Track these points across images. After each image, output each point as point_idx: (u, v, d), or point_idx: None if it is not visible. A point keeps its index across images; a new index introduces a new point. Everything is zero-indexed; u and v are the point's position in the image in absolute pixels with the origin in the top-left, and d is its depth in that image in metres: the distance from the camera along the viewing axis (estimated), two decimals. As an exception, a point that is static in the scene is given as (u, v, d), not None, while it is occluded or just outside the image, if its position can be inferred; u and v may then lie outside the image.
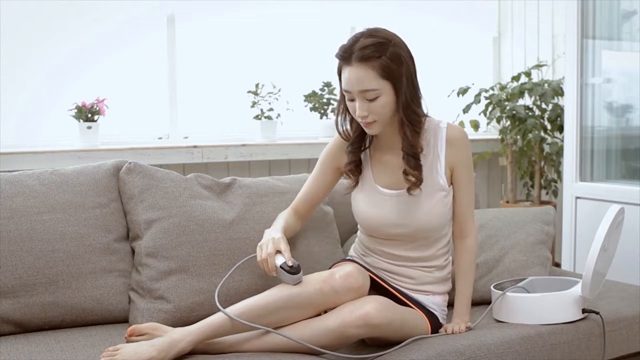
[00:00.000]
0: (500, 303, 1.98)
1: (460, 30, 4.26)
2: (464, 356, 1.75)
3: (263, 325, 1.73)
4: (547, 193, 3.92)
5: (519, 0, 4.23)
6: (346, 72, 1.81)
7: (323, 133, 3.78)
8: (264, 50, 3.74)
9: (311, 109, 3.77)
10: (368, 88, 1.78)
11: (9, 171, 2.10)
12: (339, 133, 1.97)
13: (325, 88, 3.77)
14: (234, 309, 1.74)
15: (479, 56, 4.38)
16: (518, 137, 3.74)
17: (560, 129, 3.71)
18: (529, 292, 2.03)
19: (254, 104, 3.64)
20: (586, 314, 1.97)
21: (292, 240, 2.09)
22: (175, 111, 3.55)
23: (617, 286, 2.31)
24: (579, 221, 3.21)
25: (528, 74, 3.80)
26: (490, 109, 3.80)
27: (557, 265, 3.58)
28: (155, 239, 2.00)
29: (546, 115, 3.78)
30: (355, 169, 1.98)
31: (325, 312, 1.78)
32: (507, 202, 3.91)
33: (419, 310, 1.91)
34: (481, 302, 2.15)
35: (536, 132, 3.65)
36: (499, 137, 3.93)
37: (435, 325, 1.92)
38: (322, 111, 3.77)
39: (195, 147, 3.37)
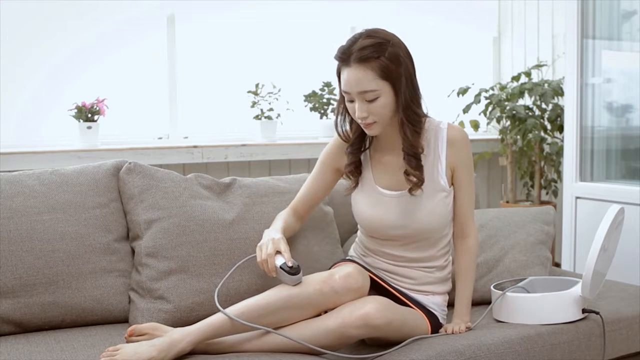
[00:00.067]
0: (500, 303, 1.98)
1: (460, 30, 4.26)
2: (464, 356, 1.75)
3: (263, 326, 1.73)
4: (547, 193, 3.92)
5: (519, 0, 4.23)
6: (345, 73, 1.80)
7: (323, 133, 3.78)
8: (264, 50, 3.74)
9: (311, 109, 3.77)
10: (367, 89, 1.78)
11: (9, 171, 2.10)
12: (339, 134, 1.97)
13: (325, 88, 3.77)
14: (234, 309, 1.74)
15: (479, 56, 4.38)
16: (518, 137, 3.74)
17: (560, 129, 3.71)
18: (529, 292, 2.03)
19: (254, 104, 3.64)
20: (586, 314, 1.97)
21: (292, 240, 2.10)
22: (175, 111, 3.55)
23: (617, 286, 2.31)
24: (579, 221, 3.21)
25: (528, 74, 3.80)
26: (490, 109, 3.80)
27: (557, 265, 3.58)
28: (155, 239, 2.00)
29: (546, 115, 3.78)
30: (355, 170, 1.98)
31: (325, 312, 1.78)
32: (507, 202, 3.91)
33: (419, 310, 1.91)
34: (481, 302, 2.15)
35: (536, 132, 3.65)
36: (499, 137, 3.93)
37: (435, 325, 1.92)
38: (322, 111, 3.77)
39: (195, 147, 3.37)
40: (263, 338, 1.75)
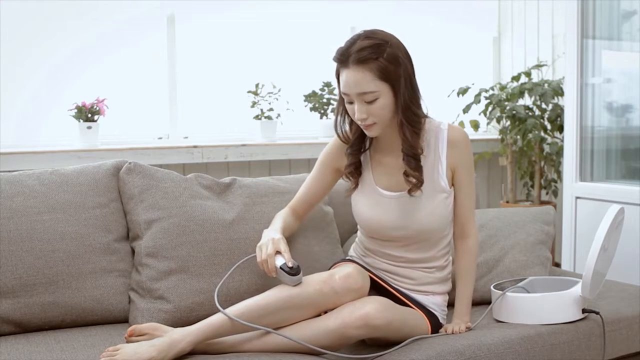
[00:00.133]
0: (500, 303, 1.98)
1: (460, 31, 4.26)
2: (464, 356, 1.75)
3: (263, 326, 1.73)
4: (547, 193, 3.92)
5: (519, 0, 4.23)
6: (344, 75, 1.80)
7: (323, 133, 3.78)
8: (264, 50, 3.74)
9: (311, 109, 3.77)
10: (366, 90, 1.78)
11: (9, 171, 2.10)
12: (338, 135, 1.96)
13: (325, 88, 3.77)
14: (234, 310, 1.74)
15: (479, 56, 4.38)
16: (518, 137, 3.74)
17: (560, 129, 3.71)
18: (529, 292, 2.03)
19: (254, 104, 3.64)
20: (586, 314, 1.97)
21: (292, 240, 2.10)
22: (175, 111, 3.55)
23: (617, 286, 2.31)
24: (579, 221, 3.21)
25: (528, 74, 3.80)
26: (490, 109, 3.80)
27: (557, 265, 3.58)
28: (155, 239, 2.00)
29: (546, 115, 3.78)
30: (355, 171, 1.97)
31: (325, 312, 1.78)
32: (507, 202, 3.91)
33: (419, 311, 1.91)
34: (481, 302, 2.15)
35: (536, 132, 3.65)
36: (499, 137, 3.93)
37: (435, 326, 1.92)
38: (322, 111, 3.77)
39: (195, 147, 3.37)
40: (263, 338, 1.75)
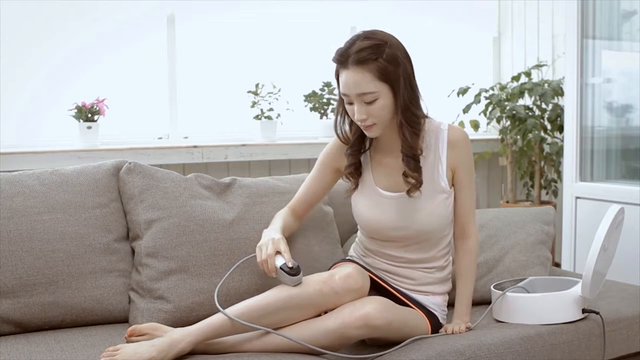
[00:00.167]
0: (500, 303, 1.98)
1: (460, 30, 4.26)
2: (464, 356, 1.75)
3: (263, 326, 1.73)
4: (547, 193, 3.92)
5: (519, 0, 4.23)
6: (343, 75, 1.80)
7: (323, 133, 3.78)
8: (264, 50, 3.74)
9: (311, 109, 3.77)
10: (365, 91, 1.78)
11: (9, 171, 2.10)
12: (338, 136, 1.96)
13: (325, 88, 3.77)
14: (234, 310, 1.74)
15: (479, 56, 4.38)
16: (518, 137, 3.74)
17: (560, 129, 3.71)
18: (529, 292, 2.03)
19: (254, 104, 3.64)
20: (586, 314, 1.97)
21: (292, 240, 2.10)
22: (175, 111, 3.55)
23: (617, 286, 2.31)
24: (579, 221, 3.21)
25: (528, 74, 3.80)
26: (490, 109, 3.80)
27: (557, 265, 3.58)
28: (155, 239, 2.00)
29: (546, 115, 3.78)
30: (355, 171, 1.97)
31: (325, 312, 1.78)
32: (507, 202, 3.91)
33: (419, 311, 1.91)
34: (481, 302, 2.15)
35: (536, 132, 3.65)
36: (499, 137, 3.93)
37: (435, 326, 1.92)
38: (322, 111, 3.77)
39: (195, 147, 3.37)
40: (263, 338, 1.75)
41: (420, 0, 4.07)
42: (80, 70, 3.33)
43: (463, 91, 3.83)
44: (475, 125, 3.96)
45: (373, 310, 1.70)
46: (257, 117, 3.63)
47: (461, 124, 3.87)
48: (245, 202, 2.14)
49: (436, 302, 1.97)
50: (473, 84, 3.88)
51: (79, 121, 3.20)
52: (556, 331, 1.89)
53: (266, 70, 3.71)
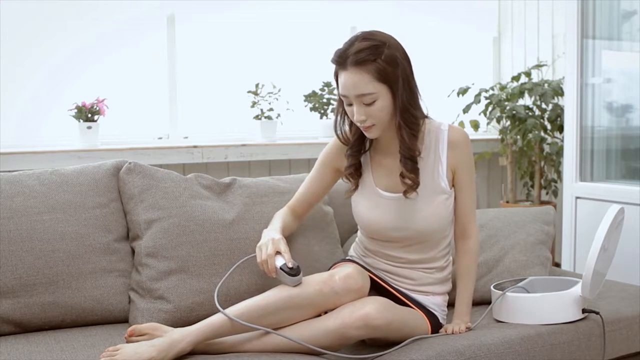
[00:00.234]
0: (500, 303, 1.98)
1: (460, 30, 4.26)
2: (464, 356, 1.75)
3: (263, 326, 1.73)
4: (547, 193, 3.92)
5: (519, 0, 4.23)
6: (342, 77, 1.80)
7: (323, 133, 3.78)
8: (264, 50, 3.74)
9: (311, 109, 3.77)
10: (364, 92, 1.77)
11: (9, 171, 2.10)
12: (338, 137, 1.96)
13: (325, 88, 3.77)
14: (234, 310, 1.74)
15: (479, 56, 4.38)
16: (518, 137, 3.74)
17: (560, 129, 3.71)
18: (529, 292, 2.03)
19: (254, 104, 3.64)
20: (586, 314, 1.97)
21: (292, 240, 2.10)
22: (175, 111, 3.55)
23: (617, 286, 2.31)
24: (579, 221, 3.20)
25: (528, 74, 3.80)
26: (490, 109, 3.80)
27: (557, 265, 3.58)
28: (155, 239, 2.00)
29: (546, 115, 3.78)
30: (355, 172, 1.97)
31: (325, 312, 1.78)
32: (507, 202, 3.91)
33: (419, 311, 1.91)
34: (481, 302, 2.15)
35: (536, 132, 3.65)
36: (499, 137, 3.93)
37: (436, 326, 1.92)
38: (322, 111, 3.77)
39: (195, 147, 3.37)
40: (263, 338, 1.75)
41: (420, 0, 4.07)
42: (80, 70, 3.33)
43: (463, 91, 3.83)
44: (475, 125, 3.96)
45: (373, 311, 1.70)
46: (257, 117, 3.64)
47: (461, 124, 3.88)
48: (245, 202, 2.14)
49: (436, 302, 1.97)
50: (473, 84, 3.88)
51: (79, 121, 3.20)
52: (556, 331, 1.89)
53: (266, 70, 3.71)
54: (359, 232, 2.07)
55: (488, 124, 4.01)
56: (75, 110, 3.21)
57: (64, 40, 3.29)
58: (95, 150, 3.14)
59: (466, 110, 3.82)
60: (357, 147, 1.96)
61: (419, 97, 1.86)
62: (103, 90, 3.31)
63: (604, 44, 3.24)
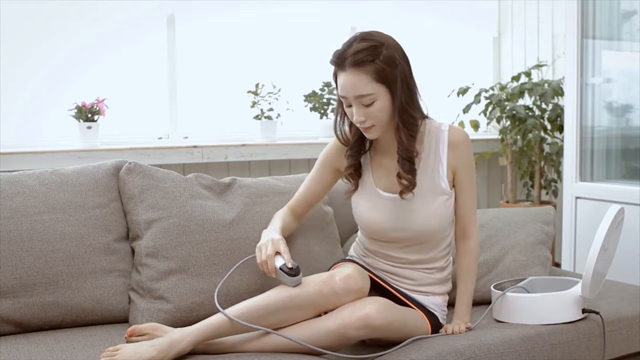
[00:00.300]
0: (500, 303, 1.98)
1: (460, 30, 4.26)
2: (464, 356, 1.75)
3: (263, 326, 1.73)
4: (547, 193, 3.92)
5: (519, 0, 4.23)
6: (341, 78, 1.79)
7: (323, 133, 3.78)
8: (264, 50, 3.74)
9: (311, 109, 3.77)
10: (363, 93, 1.77)
11: (9, 171, 2.10)
12: (337, 137, 1.96)
13: (325, 88, 3.77)
14: (234, 310, 1.74)
15: (479, 56, 4.38)
16: (518, 137, 3.74)
17: (560, 129, 3.71)
18: (529, 292, 2.03)
19: (254, 104, 3.64)
20: (586, 314, 1.97)
21: (292, 240, 2.10)
22: (175, 111, 3.55)
23: (617, 286, 2.31)
24: (579, 221, 3.20)
25: (528, 74, 3.80)
26: (490, 109, 3.80)
27: (557, 265, 3.58)
28: (155, 239, 2.00)
29: (546, 115, 3.78)
30: (355, 173, 1.97)
31: (325, 313, 1.78)
32: (507, 202, 3.91)
33: (419, 311, 1.91)
34: (481, 302, 2.15)
35: (536, 132, 3.65)
36: (499, 137, 3.93)
37: (436, 326, 1.92)
38: (322, 111, 3.77)
39: (195, 147, 3.37)
40: (263, 338, 1.75)
41: (420, 0, 4.07)
42: (80, 70, 3.33)
43: (463, 91, 3.83)
44: (475, 125, 3.96)
45: (373, 311, 1.70)
46: (257, 117, 3.64)
47: (461, 124, 3.88)
48: (245, 202, 2.14)
49: (436, 303, 1.97)
50: (473, 84, 3.88)
51: (79, 121, 3.20)
52: (556, 331, 1.89)
53: (266, 70, 3.71)
54: (359, 232, 2.07)
55: (488, 124, 4.01)
56: (75, 110, 3.21)
57: (64, 40, 3.28)
58: (95, 150, 3.14)
59: (466, 110, 3.82)
60: (357, 147, 1.95)
61: (418, 97, 1.86)
62: (103, 90, 3.31)
63: (604, 44, 3.24)
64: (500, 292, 1.98)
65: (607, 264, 2.02)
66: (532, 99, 3.76)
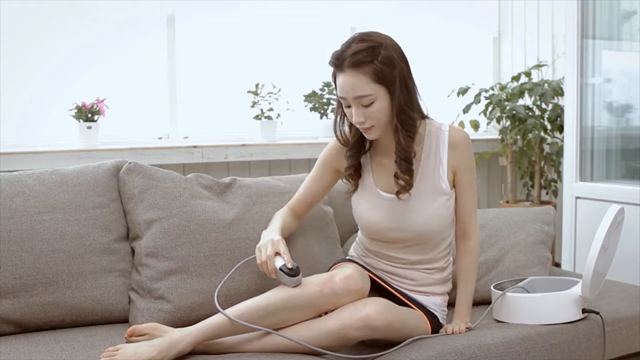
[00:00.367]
0: (500, 303, 1.98)
1: (460, 30, 4.26)
2: (464, 356, 1.75)
3: (263, 327, 1.73)
4: (547, 193, 3.92)
5: (519, 0, 4.23)
6: (340, 79, 1.79)
7: (323, 133, 3.78)
8: (264, 50, 3.74)
9: (311, 109, 3.77)
10: (362, 94, 1.77)
11: (9, 171, 2.10)
12: (337, 138, 1.96)
13: (325, 88, 3.77)
14: (234, 310, 1.74)
15: (479, 56, 4.38)
16: (518, 137, 3.74)
17: (560, 129, 3.71)
18: (529, 292, 2.03)
19: (254, 104, 3.64)
20: (586, 314, 1.97)
21: (292, 240, 2.10)
22: (175, 111, 3.55)
23: (617, 286, 2.31)
24: (579, 221, 3.20)
25: (528, 74, 3.80)
26: (490, 109, 3.80)
27: (557, 265, 3.58)
28: (155, 239, 2.00)
29: (546, 115, 3.78)
30: (355, 173, 1.96)
31: (326, 313, 1.78)
32: (507, 202, 3.91)
33: (419, 311, 1.91)
34: (481, 302, 2.15)
35: (536, 132, 3.65)
36: (499, 137, 3.93)
37: (436, 326, 1.92)
38: (322, 111, 3.77)
39: (195, 147, 3.37)
40: (263, 339, 1.75)
41: (420, 0, 4.07)
42: (80, 70, 3.33)
43: (463, 91, 3.83)
44: (475, 125, 3.96)
45: (373, 312, 1.70)
46: (257, 117, 3.64)
47: (461, 124, 3.88)
48: (245, 202, 2.14)
49: (436, 303, 1.97)
50: (473, 84, 3.88)
51: (79, 121, 3.20)
52: (556, 331, 1.89)
53: (266, 70, 3.71)
54: (359, 232, 2.06)
55: (488, 124, 4.01)
56: (75, 110, 3.21)
57: (64, 40, 3.28)
58: (95, 150, 3.14)
59: (466, 110, 3.82)
60: (357, 148, 1.95)
61: (417, 97, 1.86)
62: (103, 90, 3.31)
63: (604, 44, 3.24)
64: (500, 292, 1.98)
65: (607, 264, 2.02)
66: (532, 99, 3.76)
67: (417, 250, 1.94)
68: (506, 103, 3.73)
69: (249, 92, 3.63)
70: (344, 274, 1.77)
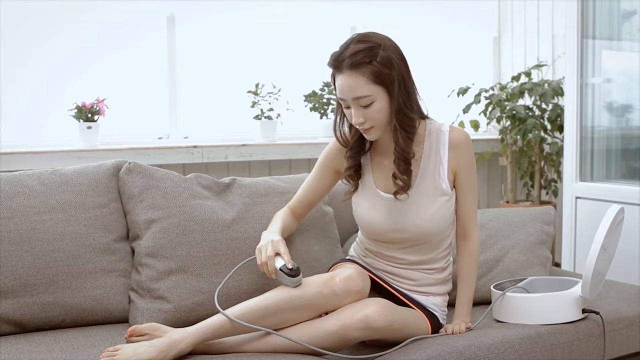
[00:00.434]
0: (500, 303, 1.98)
1: (460, 30, 4.26)
2: (464, 356, 1.75)
3: (263, 327, 1.73)
4: (547, 193, 3.92)
5: (519, 0, 4.23)
6: (339, 80, 1.79)
7: (323, 133, 3.78)
8: (264, 50, 3.74)
9: (311, 109, 3.77)
10: (361, 95, 1.77)
11: (9, 171, 2.10)
12: (337, 139, 1.96)
13: (325, 88, 3.77)
14: (234, 310, 1.74)
15: (479, 56, 4.38)
16: (518, 137, 3.74)
17: (560, 129, 3.71)
18: (529, 292, 2.03)
19: (254, 104, 3.64)
20: (586, 314, 1.97)
21: (292, 240, 2.10)
22: (175, 111, 3.55)
23: (617, 286, 2.31)
24: (579, 221, 3.21)
25: (528, 74, 3.80)
26: (490, 109, 3.80)
27: (557, 265, 3.58)
28: (155, 239, 2.00)
29: (546, 115, 3.78)
30: (355, 173, 1.96)
31: (326, 314, 1.78)
32: (507, 202, 3.91)
33: (420, 311, 1.91)
34: (481, 302, 2.15)
35: (536, 132, 3.65)
36: (499, 137, 3.93)
37: (436, 326, 1.92)
38: (322, 111, 3.77)
39: (195, 147, 3.37)
40: (263, 339, 1.75)
41: (420, 0, 4.07)
42: (80, 70, 3.33)
43: (463, 91, 3.83)
44: (475, 125, 3.96)
45: (374, 312, 1.70)
46: (257, 117, 3.64)
47: (461, 124, 3.88)
48: (245, 202, 2.14)
49: (436, 303, 1.97)
50: (473, 84, 3.88)
51: (79, 121, 3.20)
52: (556, 331, 1.89)
53: (266, 70, 3.71)
54: (359, 232, 2.06)
55: (488, 124, 4.01)
56: (75, 110, 3.21)
57: (64, 40, 3.29)
58: (95, 150, 3.14)
59: (466, 110, 3.83)
60: (357, 148, 1.95)
61: (417, 98, 1.86)
62: (103, 90, 3.31)
63: (604, 44, 3.24)
64: (500, 292, 1.98)
65: (607, 264, 2.02)
66: (532, 99, 3.76)
67: (417, 251, 1.94)
68: (506, 103, 3.73)
69: (249, 92, 3.63)
70: (344, 275, 1.77)
